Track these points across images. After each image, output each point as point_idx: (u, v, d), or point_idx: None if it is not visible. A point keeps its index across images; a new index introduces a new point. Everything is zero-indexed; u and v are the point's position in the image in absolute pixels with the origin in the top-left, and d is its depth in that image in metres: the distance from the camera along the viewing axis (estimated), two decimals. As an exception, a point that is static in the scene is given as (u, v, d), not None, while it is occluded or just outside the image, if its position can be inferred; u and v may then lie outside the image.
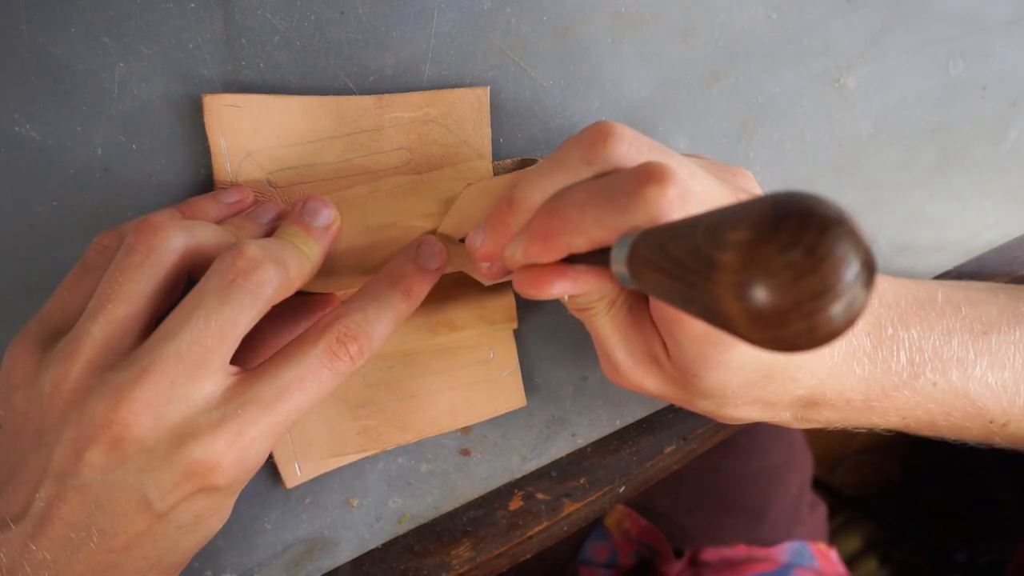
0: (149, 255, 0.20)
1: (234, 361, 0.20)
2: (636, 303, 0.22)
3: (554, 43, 0.26)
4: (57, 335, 0.20)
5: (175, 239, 0.20)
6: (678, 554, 0.61)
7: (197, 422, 0.19)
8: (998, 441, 0.26)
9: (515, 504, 0.35)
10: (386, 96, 0.25)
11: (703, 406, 0.23)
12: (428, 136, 0.26)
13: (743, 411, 0.23)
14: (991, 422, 0.25)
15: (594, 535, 0.65)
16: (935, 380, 0.23)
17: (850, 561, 0.86)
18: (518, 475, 0.33)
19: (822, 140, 0.32)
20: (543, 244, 0.19)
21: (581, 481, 0.35)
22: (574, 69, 0.27)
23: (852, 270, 0.12)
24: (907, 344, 0.23)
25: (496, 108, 0.26)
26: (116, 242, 0.21)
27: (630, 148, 0.19)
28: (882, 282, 0.24)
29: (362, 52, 0.24)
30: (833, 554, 0.60)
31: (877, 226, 0.36)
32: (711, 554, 0.59)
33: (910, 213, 0.36)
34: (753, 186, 0.22)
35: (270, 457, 0.28)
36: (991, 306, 0.25)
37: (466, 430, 0.31)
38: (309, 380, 0.20)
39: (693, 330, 0.20)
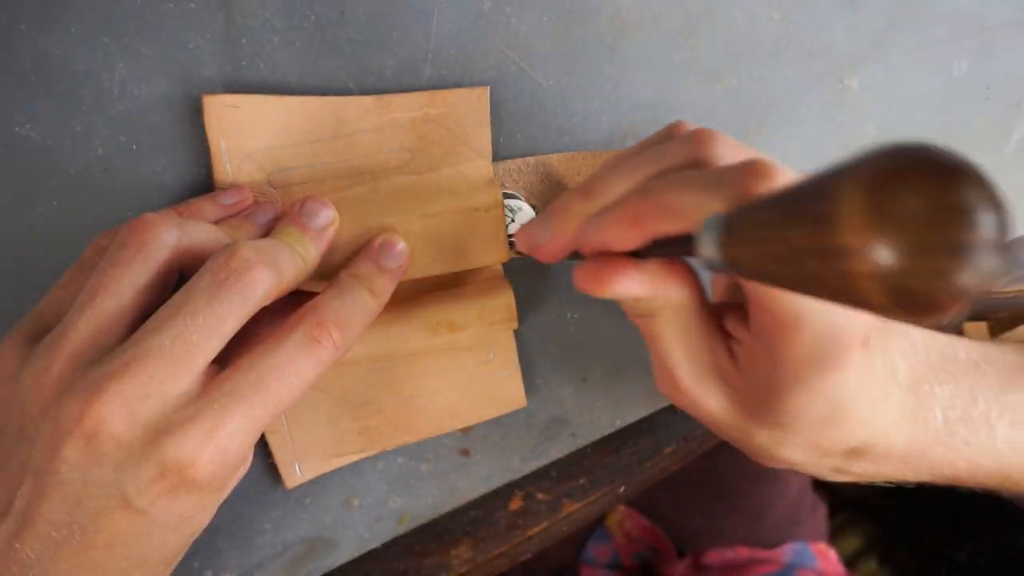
0: (139, 251, 0.20)
1: (228, 361, 0.20)
2: (705, 312, 0.21)
3: (554, 43, 0.26)
4: (47, 331, 0.20)
5: (166, 235, 0.20)
6: (680, 555, 0.61)
7: (173, 418, 0.18)
8: (1007, 495, 0.26)
9: (515, 504, 0.35)
10: (386, 96, 0.25)
11: (760, 439, 0.22)
12: (428, 136, 0.25)
13: (795, 453, 0.22)
14: (1008, 478, 0.25)
15: (596, 536, 0.65)
16: (967, 439, 0.23)
17: (850, 561, 0.86)
18: (518, 475, 0.33)
19: (825, 141, 0.32)
20: (629, 226, 0.19)
21: (581, 481, 0.35)
22: (574, 69, 0.27)
23: (989, 221, 0.11)
24: (941, 401, 0.23)
25: (496, 108, 0.26)
26: (113, 242, 0.21)
27: (733, 151, 0.19)
28: (911, 330, 0.24)
29: (362, 52, 0.24)
30: (833, 554, 0.60)
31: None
32: (714, 557, 0.59)
33: (912, 214, 0.36)
34: None
35: (270, 457, 0.28)
36: (1003, 365, 0.25)
37: (466, 430, 0.31)
38: (287, 370, 0.20)
39: (802, 345, 0.19)
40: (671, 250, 0.18)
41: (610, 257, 0.20)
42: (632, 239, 0.19)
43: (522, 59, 0.26)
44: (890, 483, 0.25)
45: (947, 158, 0.11)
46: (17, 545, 0.18)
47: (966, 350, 0.25)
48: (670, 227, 0.18)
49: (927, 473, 0.24)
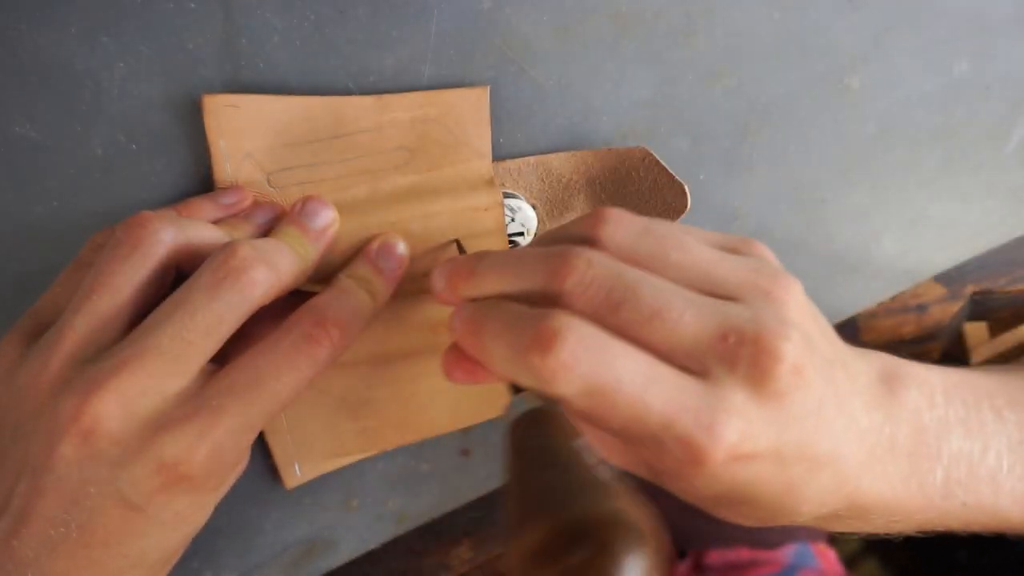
0: (136, 248, 0.20)
1: (226, 360, 0.20)
2: None
3: (554, 43, 0.26)
4: (44, 329, 0.20)
5: (163, 233, 0.20)
6: (681, 555, 0.61)
7: (170, 415, 0.18)
8: (1008, 535, 0.25)
9: (515, 504, 0.35)
10: (386, 96, 0.25)
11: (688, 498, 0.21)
12: (428, 136, 0.25)
13: (740, 520, 0.21)
14: (1010, 527, 0.24)
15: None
16: (965, 500, 0.22)
17: (850, 561, 0.86)
18: (518, 475, 0.33)
19: (826, 141, 0.32)
20: (468, 346, 0.19)
21: (581, 481, 0.35)
22: (574, 69, 0.27)
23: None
24: (946, 460, 0.22)
25: (496, 108, 0.26)
26: (110, 240, 0.21)
27: (587, 290, 0.18)
28: (934, 380, 0.23)
29: (362, 52, 0.24)
30: (833, 555, 0.60)
31: (882, 227, 0.36)
32: (715, 557, 0.59)
33: (914, 214, 0.36)
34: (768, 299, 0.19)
35: (270, 457, 0.28)
36: None
37: (466, 430, 0.31)
38: (284, 369, 0.20)
39: (663, 457, 0.18)
40: (506, 384, 0.20)
41: (463, 356, 0.20)
42: (474, 357, 0.19)
43: (522, 59, 0.26)
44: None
45: (603, 535, 0.14)
46: (14, 543, 0.18)
47: (991, 395, 0.24)
48: (493, 368, 0.19)
49: (914, 530, 0.23)
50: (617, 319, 0.17)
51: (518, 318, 0.18)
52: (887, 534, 0.24)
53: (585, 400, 0.17)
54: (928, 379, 0.23)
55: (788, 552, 0.58)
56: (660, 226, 0.19)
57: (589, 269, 0.18)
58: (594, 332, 0.17)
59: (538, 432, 0.18)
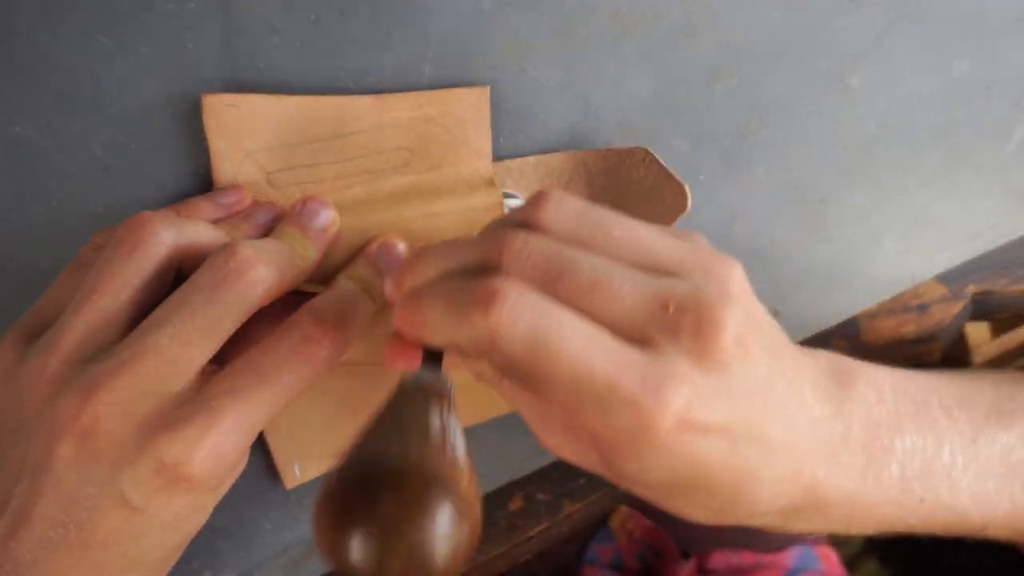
0: (136, 248, 0.20)
1: (226, 360, 0.20)
2: None
3: (554, 43, 0.26)
4: (44, 329, 0.20)
5: (163, 234, 0.20)
6: (684, 555, 0.61)
7: (169, 416, 0.18)
8: (969, 538, 0.25)
9: (515, 504, 0.35)
10: (386, 96, 0.25)
11: (637, 492, 0.21)
12: (428, 136, 0.25)
13: (696, 513, 0.21)
14: (970, 529, 0.24)
15: (598, 536, 0.65)
16: (923, 496, 0.22)
17: (851, 562, 0.85)
18: (518, 475, 0.33)
19: (826, 141, 0.32)
20: (407, 328, 0.19)
21: (581, 481, 0.35)
22: (574, 69, 0.27)
23: (434, 537, 0.14)
24: (900, 455, 0.22)
25: (496, 108, 0.26)
26: (110, 240, 0.21)
27: (524, 262, 0.18)
28: (881, 377, 0.23)
29: (362, 52, 0.24)
30: (834, 556, 0.60)
31: (882, 227, 0.36)
32: (719, 561, 0.59)
33: (915, 214, 0.36)
34: (710, 275, 0.19)
35: (269, 457, 0.28)
36: (979, 408, 0.24)
37: (466, 430, 0.31)
38: (284, 369, 0.20)
39: (608, 431, 0.17)
40: (424, 355, 0.20)
41: (403, 343, 0.20)
42: (410, 338, 0.19)
43: (522, 59, 0.26)
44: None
45: (399, 483, 0.15)
46: (13, 544, 0.18)
47: (940, 395, 0.24)
48: (436, 341, 0.18)
49: (874, 528, 0.23)
50: (556, 291, 0.17)
51: (458, 286, 0.18)
52: (848, 534, 0.23)
53: (526, 358, 0.17)
54: (876, 376, 0.23)
55: (791, 555, 0.58)
56: (599, 207, 0.19)
57: (525, 246, 0.18)
58: (535, 292, 0.17)
59: (420, 403, 0.18)
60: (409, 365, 0.20)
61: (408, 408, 0.17)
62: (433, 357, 0.20)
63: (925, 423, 0.23)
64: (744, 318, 0.18)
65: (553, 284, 0.17)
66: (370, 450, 0.16)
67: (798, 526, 0.22)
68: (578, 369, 0.16)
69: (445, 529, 0.15)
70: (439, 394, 0.18)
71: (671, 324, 0.17)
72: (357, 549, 0.14)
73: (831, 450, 0.20)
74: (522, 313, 0.16)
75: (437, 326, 0.18)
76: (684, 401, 0.17)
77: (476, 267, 0.18)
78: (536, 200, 0.19)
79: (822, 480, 0.20)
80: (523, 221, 0.19)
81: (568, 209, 0.19)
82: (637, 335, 0.17)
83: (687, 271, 0.18)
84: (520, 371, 0.17)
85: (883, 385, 0.23)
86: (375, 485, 0.15)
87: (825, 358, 0.22)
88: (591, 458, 0.20)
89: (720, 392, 0.17)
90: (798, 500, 0.20)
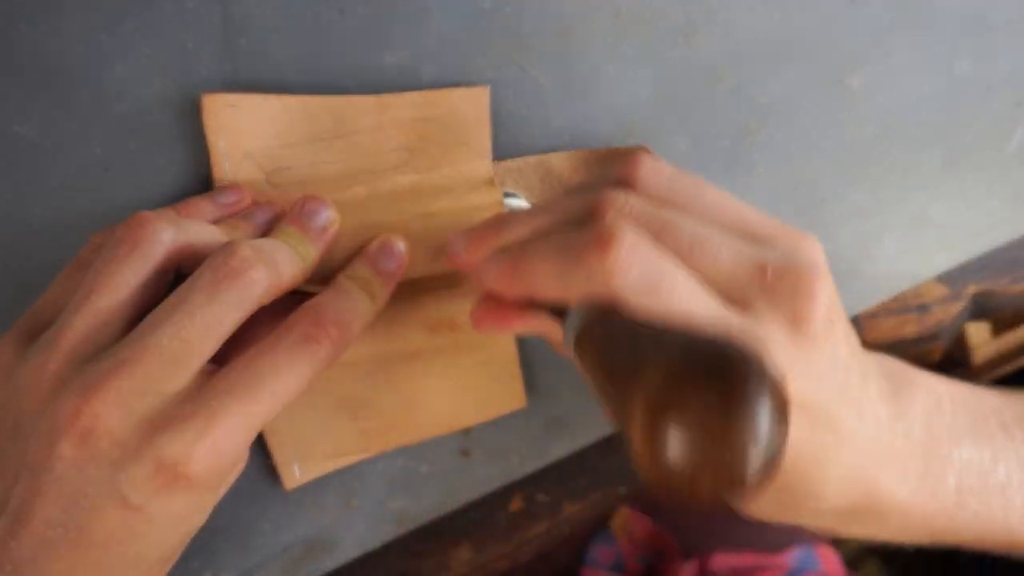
0: (135, 248, 0.20)
1: (226, 360, 0.20)
2: None
3: (554, 43, 0.26)
4: (43, 329, 0.20)
5: (163, 233, 0.20)
6: (686, 557, 0.60)
7: (168, 415, 0.18)
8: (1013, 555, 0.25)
9: (515, 505, 0.35)
10: (386, 96, 0.25)
11: None
12: (428, 136, 0.25)
13: (764, 506, 0.21)
14: (1016, 544, 0.24)
15: (599, 537, 0.65)
16: (978, 510, 0.22)
17: (852, 562, 0.85)
18: (518, 476, 0.33)
19: (827, 141, 0.32)
20: (509, 284, 0.19)
21: (581, 481, 0.35)
22: (574, 69, 0.27)
23: (763, 432, 0.11)
24: (957, 467, 0.21)
25: (496, 108, 0.26)
26: (109, 240, 0.21)
27: (628, 219, 0.18)
28: (940, 386, 0.23)
29: (362, 52, 0.24)
30: (835, 556, 0.60)
31: (882, 227, 0.36)
32: (720, 562, 0.59)
33: (915, 214, 0.36)
34: (806, 257, 0.19)
35: (269, 457, 0.28)
36: None
37: (466, 431, 0.31)
38: (284, 368, 0.19)
39: None
40: (555, 314, 0.19)
41: (497, 303, 0.20)
42: (516, 297, 0.19)
43: (522, 59, 0.26)
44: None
45: (732, 361, 0.12)
46: (12, 543, 0.18)
47: (997, 410, 0.23)
48: (544, 294, 0.18)
49: (927, 539, 0.23)
50: (660, 248, 0.17)
51: (566, 235, 0.18)
52: (900, 543, 0.23)
53: (641, 298, 0.17)
54: (935, 386, 0.23)
55: (792, 556, 0.58)
56: (689, 174, 0.20)
57: (626, 205, 0.18)
58: (648, 238, 0.17)
59: (613, 323, 0.16)
60: (500, 326, 0.20)
61: (628, 327, 0.16)
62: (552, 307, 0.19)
63: (983, 437, 0.22)
64: (833, 294, 0.18)
65: (657, 240, 0.18)
66: (650, 355, 0.14)
67: (853, 530, 0.22)
68: (685, 316, 0.16)
69: (767, 431, 0.12)
70: (624, 307, 0.17)
71: (769, 288, 0.17)
72: (673, 447, 0.12)
73: (893, 453, 0.20)
74: (638, 257, 0.17)
75: (549, 275, 0.18)
76: (780, 369, 0.17)
77: (580, 220, 0.19)
78: (631, 161, 0.19)
79: (882, 484, 0.20)
80: (619, 180, 0.19)
81: (662, 172, 0.19)
82: (737, 296, 0.17)
83: (778, 241, 0.19)
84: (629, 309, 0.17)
85: (942, 395, 0.22)
86: (696, 379, 0.12)
87: (887, 361, 0.22)
88: None
89: (809, 365, 0.17)
90: (859, 500, 0.20)
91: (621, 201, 0.18)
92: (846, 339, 0.19)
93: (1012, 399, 0.25)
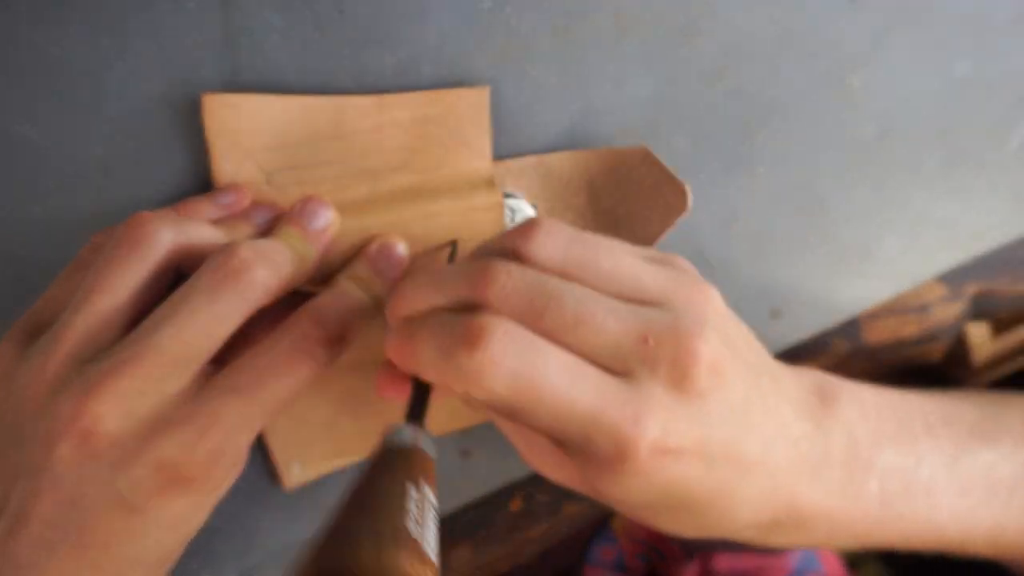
0: (135, 249, 0.20)
1: (226, 361, 0.20)
2: None
3: (554, 43, 0.26)
4: (43, 330, 0.20)
5: (163, 234, 0.20)
6: (688, 556, 0.60)
7: (168, 416, 0.18)
8: (949, 554, 0.26)
9: (515, 505, 0.35)
10: (386, 96, 0.25)
11: (622, 511, 0.22)
12: (428, 136, 0.25)
13: (680, 529, 0.22)
14: (948, 547, 0.25)
15: (601, 537, 0.65)
16: (902, 512, 0.23)
17: (851, 563, 0.85)
18: (518, 476, 0.33)
19: (827, 141, 0.32)
20: (400, 360, 0.19)
21: (582, 482, 0.35)
22: (574, 69, 0.27)
23: None
24: (880, 471, 0.22)
25: (496, 108, 0.26)
26: (109, 241, 0.21)
27: (509, 296, 0.18)
28: (865, 395, 0.23)
29: (362, 52, 0.24)
30: (835, 557, 0.60)
31: (882, 227, 0.36)
32: (722, 564, 0.59)
33: (916, 214, 0.36)
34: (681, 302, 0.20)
35: (270, 457, 0.28)
36: (962, 426, 0.25)
37: (466, 430, 0.31)
38: (284, 368, 0.20)
39: (590, 455, 0.18)
40: (414, 391, 0.20)
41: (396, 372, 0.21)
42: (404, 371, 0.20)
43: (522, 59, 0.26)
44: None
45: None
46: (12, 544, 0.18)
47: (924, 413, 0.24)
48: (427, 376, 0.19)
49: (854, 543, 0.23)
50: (541, 325, 0.18)
51: (446, 322, 0.18)
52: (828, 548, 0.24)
53: (512, 395, 0.17)
54: (861, 395, 0.23)
55: (794, 557, 0.58)
56: (589, 236, 0.20)
57: (509, 279, 0.18)
58: (520, 330, 0.18)
59: (388, 469, 0.18)
60: (398, 394, 0.21)
61: (384, 484, 0.17)
62: (422, 389, 0.20)
63: (906, 441, 0.23)
64: (719, 346, 0.19)
65: (538, 317, 0.18)
66: (335, 551, 0.16)
67: (779, 540, 0.22)
68: (561, 403, 0.17)
69: None
70: (420, 462, 0.19)
71: (650, 356, 0.18)
72: None
73: (811, 467, 0.21)
74: (509, 351, 0.17)
75: (426, 362, 0.18)
76: (660, 429, 0.18)
77: (463, 301, 0.19)
78: (526, 229, 0.20)
79: (801, 496, 0.21)
80: (511, 250, 0.20)
81: (557, 239, 0.20)
82: (619, 366, 0.18)
83: (668, 300, 0.19)
84: (503, 407, 0.18)
85: (866, 403, 0.23)
86: None
87: (809, 376, 0.23)
88: (575, 479, 0.21)
89: (695, 418, 0.18)
90: (779, 515, 0.21)
91: (503, 278, 0.18)
92: (743, 378, 0.19)
93: (941, 401, 0.26)
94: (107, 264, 0.20)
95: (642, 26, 0.27)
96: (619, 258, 0.20)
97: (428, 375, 0.19)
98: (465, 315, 0.18)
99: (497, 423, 0.22)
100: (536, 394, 0.17)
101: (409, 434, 0.19)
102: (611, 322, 0.18)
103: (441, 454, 0.31)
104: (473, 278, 0.19)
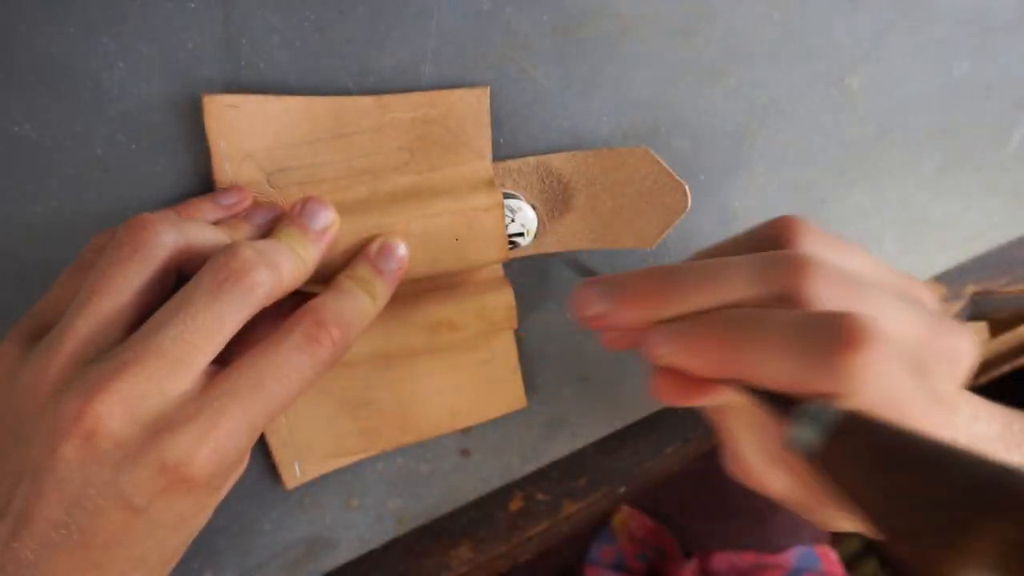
0: (137, 250, 0.20)
1: (228, 361, 0.20)
2: None
3: (554, 43, 0.26)
4: (45, 331, 0.20)
5: (164, 235, 0.20)
6: (687, 555, 0.61)
7: (172, 417, 0.18)
8: None
9: (515, 505, 0.35)
10: (386, 96, 0.25)
11: (822, 516, 0.21)
12: (428, 136, 0.25)
13: (857, 525, 0.22)
14: None
15: (600, 536, 0.65)
16: None
17: (850, 562, 0.85)
18: (518, 475, 0.33)
19: (826, 141, 0.32)
20: (713, 367, 0.18)
21: (581, 481, 0.35)
22: (574, 69, 0.27)
23: None
24: None
25: (496, 108, 0.26)
26: (111, 242, 0.21)
27: (828, 288, 0.18)
28: (975, 399, 0.24)
29: (362, 52, 0.24)
30: (834, 556, 0.60)
31: (882, 228, 0.36)
32: (721, 562, 0.59)
33: (915, 214, 0.36)
34: (929, 300, 0.21)
35: (270, 457, 0.28)
36: None
37: (466, 430, 0.31)
38: (286, 369, 0.20)
39: None
40: (764, 401, 0.17)
41: (683, 378, 0.20)
42: (712, 376, 0.19)
43: (522, 59, 0.26)
44: None
45: None
46: (15, 545, 0.18)
47: (1021, 421, 0.25)
48: (757, 380, 0.18)
49: None
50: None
51: (802, 322, 0.17)
52: None
53: (884, 407, 0.16)
54: (971, 397, 0.24)
55: (793, 555, 0.58)
56: (840, 239, 0.21)
57: (823, 268, 0.18)
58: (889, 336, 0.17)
59: (877, 433, 0.15)
60: (691, 400, 0.20)
61: (897, 438, 0.15)
62: (762, 391, 0.18)
63: (1012, 444, 0.24)
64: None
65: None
66: (960, 495, 0.13)
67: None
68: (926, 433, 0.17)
69: None
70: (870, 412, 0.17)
71: (937, 349, 0.19)
72: None
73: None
74: (890, 362, 0.16)
75: (775, 366, 0.17)
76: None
77: (762, 299, 0.18)
78: (787, 225, 0.20)
79: None
80: (784, 244, 0.20)
81: (823, 237, 0.20)
82: (919, 367, 0.19)
83: (917, 294, 0.21)
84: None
85: (978, 405, 0.24)
86: None
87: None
88: (798, 494, 0.21)
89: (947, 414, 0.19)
90: None
91: (822, 272, 0.18)
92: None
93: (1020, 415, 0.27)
94: (109, 265, 0.20)
95: (642, 26, 0.27)
96: (866, 254, 0.21)
97: (767, 380, 0.17)
98: (829, 314, 0.17)
99: (727, 423, 0.22)
100: (898, 412, 0.17)
101: (806, 414, 0.16)
102: (908, 317, 0.18)
103: (441, 454, 0.31)
104: (778, 271, 0.18)
